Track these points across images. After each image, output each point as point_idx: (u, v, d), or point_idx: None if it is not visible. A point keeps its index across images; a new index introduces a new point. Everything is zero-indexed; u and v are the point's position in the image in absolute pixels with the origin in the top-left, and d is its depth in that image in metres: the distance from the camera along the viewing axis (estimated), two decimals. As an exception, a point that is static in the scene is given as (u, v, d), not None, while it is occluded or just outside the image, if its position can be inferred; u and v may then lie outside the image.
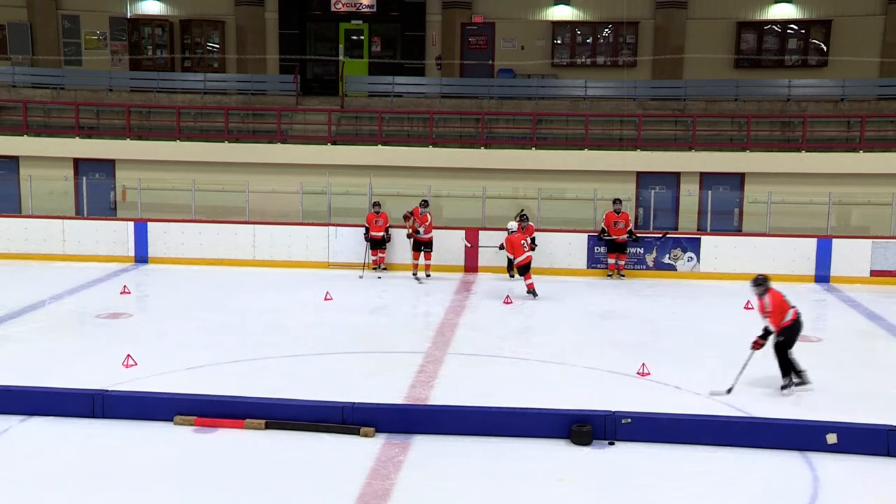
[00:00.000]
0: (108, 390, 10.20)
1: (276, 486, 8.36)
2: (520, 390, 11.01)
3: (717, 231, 19.79)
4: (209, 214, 20.40)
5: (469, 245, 18.92)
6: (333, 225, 19.40)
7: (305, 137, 22.42)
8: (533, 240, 17.63)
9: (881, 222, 19.48)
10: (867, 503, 8.31)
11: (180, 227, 19.61)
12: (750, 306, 15.55)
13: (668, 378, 11.53)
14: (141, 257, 19.58)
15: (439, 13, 25.64)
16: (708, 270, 18.68)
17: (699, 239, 18.90)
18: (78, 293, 16.59)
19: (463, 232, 19.09)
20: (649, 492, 8.38)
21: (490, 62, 25.56)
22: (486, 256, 18.88)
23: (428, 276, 18.37)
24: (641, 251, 18.86)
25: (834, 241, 18.54)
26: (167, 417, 9.78)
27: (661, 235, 18.92)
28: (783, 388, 11.02)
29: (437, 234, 18.50)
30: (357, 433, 9.48)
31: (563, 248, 18.94)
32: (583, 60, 25.69)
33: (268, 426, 9.63)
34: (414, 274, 18.33)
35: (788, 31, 25.39)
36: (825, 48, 25.01)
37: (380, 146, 21.76)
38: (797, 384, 11.06)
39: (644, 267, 18.85)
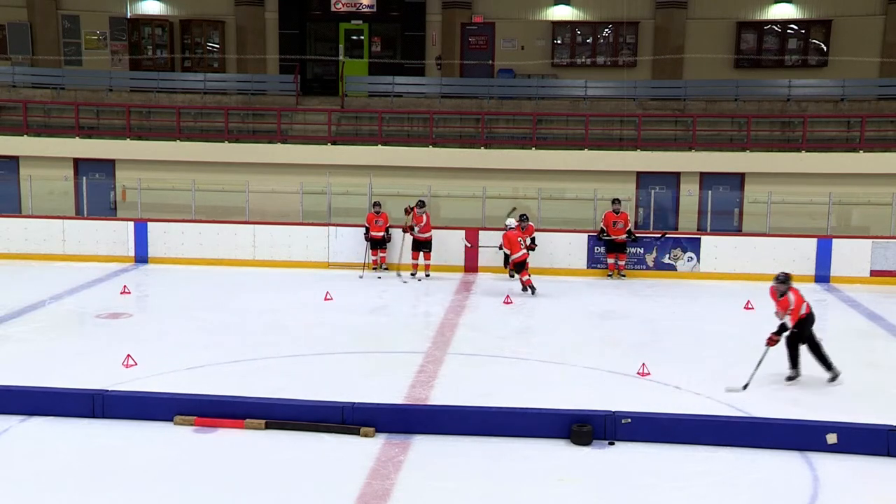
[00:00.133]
0: (108, 390, 10.20)
1: (276, 486, 8.36)
2: (520, 390, 11.01)
3: (717, 231, 19.79)
4: (209, 214, 20.40)
5: (469, 245, 18.92)
6: (333, 225, 19.40)
7: (305, 137, 22.41)
8: (533, 240, 17.64)
9: (881, 222, 19.47)
10: (867, 503, 8.31)
11: (180, 227, 19.61)
12: (750, 306, 15.61)
13: (668, 378, 11.53)
14: (141, 257, 19.57)
15: (439, 13, 25.63)
16: (708, 270, 18.68)
17: (699, 239, 18.90)
18: (78, 293, 16.59)
19: (463, 232, 19.09)
20: (649, 492, 8.38)
21: (490, 62, 25.54)
22: (486, 256, 18.88)
23: (427, 275, 18.37)
24: (641, 251, 18.86)
25: (834, 241, 18.54)
26: (167, 417, 9.78)
27: (660, 235, 18.93)
28: (830, 380, 11.33)
29: (436, 235, 18.49)
30: (357, 433, 9.48)
31: (563, 248, 18.94)
32: (583, 60, 25.68)
33: (268, 426, 9.63)
34: (413, 273, 18.34)
35: (788, 31, 25.38)
36: (825, 48, 25.00)
37: (380, 146, 21.75)
38: (830, 379, 11.36)
39: (644, 267, 18.85)
